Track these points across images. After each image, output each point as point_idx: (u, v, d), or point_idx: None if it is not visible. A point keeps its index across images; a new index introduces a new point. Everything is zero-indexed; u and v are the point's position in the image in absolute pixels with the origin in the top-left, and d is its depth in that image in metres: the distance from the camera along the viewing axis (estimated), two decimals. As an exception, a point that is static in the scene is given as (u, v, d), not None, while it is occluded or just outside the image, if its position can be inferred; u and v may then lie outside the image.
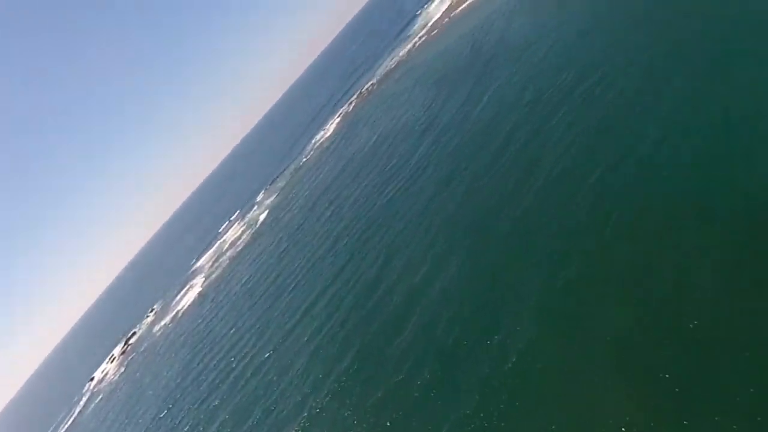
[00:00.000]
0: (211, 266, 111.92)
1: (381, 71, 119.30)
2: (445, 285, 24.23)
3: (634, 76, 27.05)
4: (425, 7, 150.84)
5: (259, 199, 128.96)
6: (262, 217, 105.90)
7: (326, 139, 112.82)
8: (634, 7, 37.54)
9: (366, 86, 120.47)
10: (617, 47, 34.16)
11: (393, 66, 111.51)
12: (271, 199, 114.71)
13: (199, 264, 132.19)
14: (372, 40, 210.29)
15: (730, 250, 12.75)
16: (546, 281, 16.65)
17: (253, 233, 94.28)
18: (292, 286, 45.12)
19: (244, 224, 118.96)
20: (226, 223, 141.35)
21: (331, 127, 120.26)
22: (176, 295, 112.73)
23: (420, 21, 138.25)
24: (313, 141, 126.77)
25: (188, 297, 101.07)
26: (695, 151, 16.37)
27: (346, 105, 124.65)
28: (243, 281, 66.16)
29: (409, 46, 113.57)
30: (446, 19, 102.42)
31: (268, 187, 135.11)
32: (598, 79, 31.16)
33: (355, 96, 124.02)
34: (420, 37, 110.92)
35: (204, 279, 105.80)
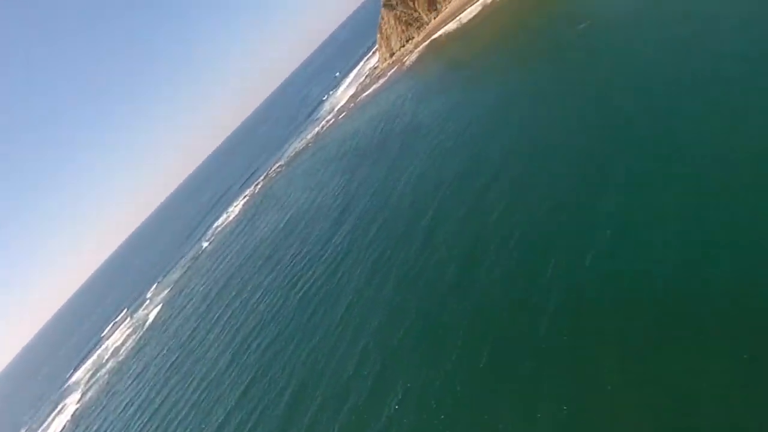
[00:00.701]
0: (88, 382, 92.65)
1: (289, 153, 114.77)
2: None
3: (536, 157, 26.28)
4: (331, 92, 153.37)
5: (149, 294, 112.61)
6: (151, 317, 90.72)
7: (230, 222, 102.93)
8: (536, 89, 36.44)
9: (274, 167, 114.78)
10: (522, 127, 32.45)
11: (301, 147, 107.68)
12: (164, 294, 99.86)
13: (75, 378, 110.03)
14: (279, 124, 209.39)
15: None
16: None
17: (139, 338, 79.06)
18: (178, 420, 34.22)
19: (130, 325, 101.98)
20: (111, 324, 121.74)
21: (235, 209, 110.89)
22: (45, 420, 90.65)
23: (327, 105, 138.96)
24: (215, 225, 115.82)
25: (58, 424, 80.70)
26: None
27: (253, 186, 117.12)
28: (121, 407, 52.26)
29: (317, 128, 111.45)
30: (352, 104, 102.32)
31: (161, 279, 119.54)
32: (509, 159, 28.98)
33: (262, 177, 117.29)
34: (328, 120, 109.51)
35: (79, 399, 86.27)
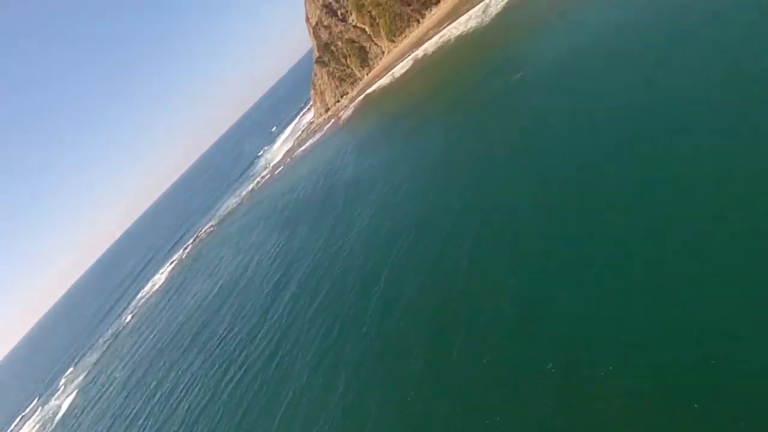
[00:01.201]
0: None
1: (222, 211, 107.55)
2: None
3: (488, 212, 25.00)
4: (267, 147, 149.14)
5: (63, 380, 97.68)
6: (64, 408, 77.46)
7: (156, 292, 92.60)
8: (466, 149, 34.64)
9: (205, 228, 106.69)
10: (464, 182, 30.28)
11: (235, 205, 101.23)
12: (80, 378, 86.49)
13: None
14: (212, 182, 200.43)
15: None
16: None
17: (45, 440, 66.32)
18: None
19: (39, 420, 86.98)
20: (19, 418, 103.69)
21: (162, 277, 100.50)
22: None
23: (263, 160, 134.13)
24: (139, 295, 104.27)
25: None
26: None
27: (181, 250, 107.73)
28: None
29: (252, 184, 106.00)
30: (289, 159, 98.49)
31: (78, 360, 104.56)
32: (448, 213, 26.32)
33: (191, 240, 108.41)
34: (263, 177, 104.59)
35: None
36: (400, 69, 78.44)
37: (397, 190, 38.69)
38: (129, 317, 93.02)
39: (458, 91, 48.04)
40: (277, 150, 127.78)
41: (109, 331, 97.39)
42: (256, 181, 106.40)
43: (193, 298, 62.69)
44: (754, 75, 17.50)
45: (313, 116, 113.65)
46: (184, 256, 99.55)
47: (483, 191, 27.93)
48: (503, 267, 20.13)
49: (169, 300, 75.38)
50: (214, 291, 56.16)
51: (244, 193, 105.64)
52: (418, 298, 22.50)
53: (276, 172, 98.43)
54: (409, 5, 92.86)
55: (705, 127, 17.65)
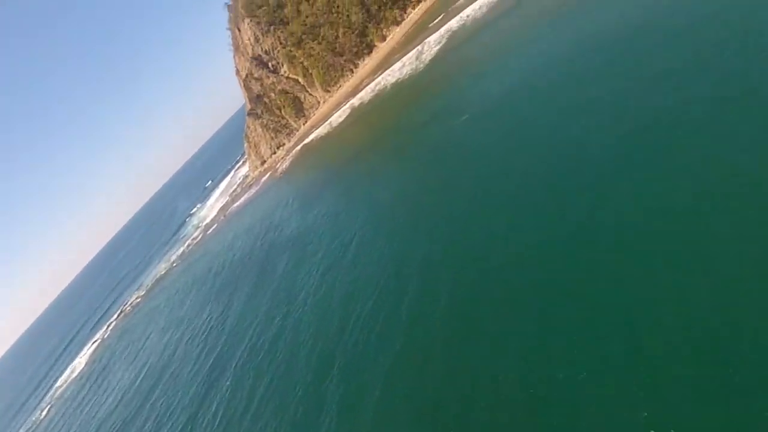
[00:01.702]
0: None
1: (151, 280, 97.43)
2: None
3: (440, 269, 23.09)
4: (200, 205, 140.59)
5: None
6: None
7: (74, 380, 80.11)
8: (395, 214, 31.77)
9: (131, 300, 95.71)
10: (415, 235, 27.35)
11: (164, 271, 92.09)
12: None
13: None
14: (143, 246, 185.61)
15: None
16: None
17: None
18: None
19: None
20: None
21: (82, 361, 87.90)
22: None
23: (195, 219, 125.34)
24: (56, 385, 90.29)
25: None
26: None
27: (105, 328, 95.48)
28: None
29: (183, 247, 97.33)
30: (223, 216, 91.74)
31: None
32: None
33: (116, 315, 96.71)
34: (195, 238, 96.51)
35: None
36: (337, 118, 76.00)
37: (346, 247, 34.42)
38: (44, 412, 79.64)
39: (399, 138, 45.48)
40: (211, 206, 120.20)
41: (21, 430, 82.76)
42: (187, 243, 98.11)
43: (115, 388, 53.55)
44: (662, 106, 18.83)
45: (249, 169, 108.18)
46: (107, 335, 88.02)
47: (439, 242, 24.59)
48: (483, 340, 16.34)
49: (88, 390, 64.76)
50: (139, 380, 47.91)
51: (174, 257, 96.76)
52: (388, 394, 17.92)
53: (209, 231, 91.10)
54: (342, 56, 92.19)
55: (621, 149, 19.57)
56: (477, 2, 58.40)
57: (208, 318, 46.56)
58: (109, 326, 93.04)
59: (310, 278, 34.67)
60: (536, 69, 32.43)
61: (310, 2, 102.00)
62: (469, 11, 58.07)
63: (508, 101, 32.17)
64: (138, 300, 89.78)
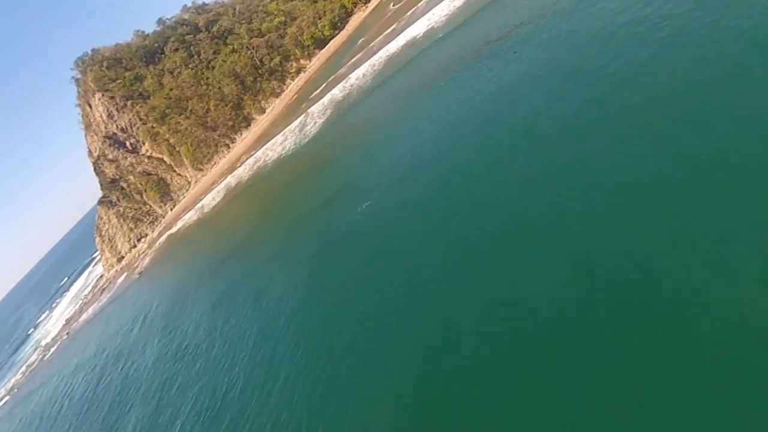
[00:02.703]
0: None
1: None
2: None
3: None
4: (47, 314, 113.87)
5: None
6: None
7: None
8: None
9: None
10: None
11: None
12: None
13: None
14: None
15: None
16: None
17: None
18: None
19: None
20: None
21: None
22: None
23: (37, 335, 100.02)
24: None
25: None
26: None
27: None
28: None
29: (15, 378, 73.87)
30: (65, 335, 70.89)
31: None
32: None
33: None
34: (29, 366, 73.29)
35: None
36: (210, 200, 64.23)
37: (222, 397, 23.22)
38: None
39: (284, 229, 35.98)
40: (60, 316, 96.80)
41: None
42: (21, 371, 75.51)
43: None
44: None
45: (103, 269, 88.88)
46: None
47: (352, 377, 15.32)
48: None
49: None
50: None
51: (1, 392, 73.35)
52: None
53: (48, 355, 70.36)
54: (215, 130, 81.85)
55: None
56: (360, 69, 53.39)
57: None
58: None
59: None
60: (426, 141, 27.26)
61: (174, 74, 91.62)
62: (353, 80, 52.61)
63: (409, 178, 25.58)
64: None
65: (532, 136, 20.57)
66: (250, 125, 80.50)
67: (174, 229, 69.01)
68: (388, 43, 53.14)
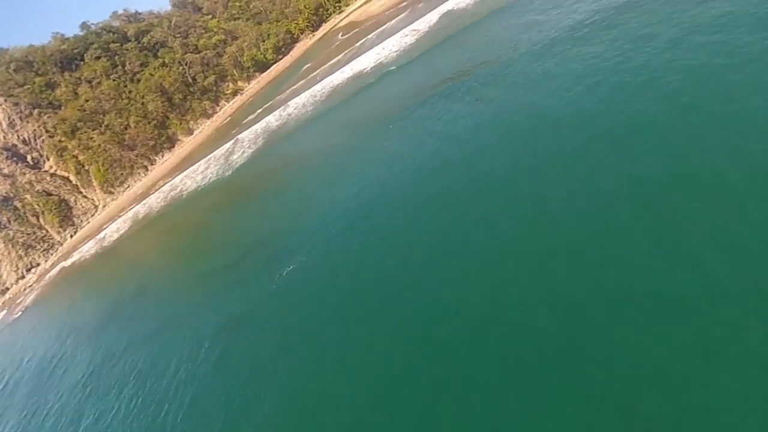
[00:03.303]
0: None
1: None
2: None
3: None
4: None
5: None
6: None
7: None
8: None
9: None
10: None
11: None
12: None
13: None
14: None
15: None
16: None
17: None
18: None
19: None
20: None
21: None
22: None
23: None
24: None
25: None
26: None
27: None
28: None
29: None
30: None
31: None
32: None
33: None
34: None
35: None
36: (114, 231, 55.13)
37: None
38: None
39: (191, 279, 29.13)
40: None
41: None
42: None
43: None
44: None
45: (-19, 302, 74.77)
46: None
47: None
48: None
49: None
50: None
51: None
52: None
53: None
54: (133, 149, 72.59)
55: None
56: (300, 98, 48.26)
57: None
58: None
59: None
60: (370, 188, 22.60)
61: (93, 84, 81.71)
62: (291, 108, 47.29)
63: (345, 237, 20.38)
64: None
65: (497, 193, 16.20)
66: (174, 147, 72.21)
67: (69, 261, 58.65)
68: (333, 73, 48.69)
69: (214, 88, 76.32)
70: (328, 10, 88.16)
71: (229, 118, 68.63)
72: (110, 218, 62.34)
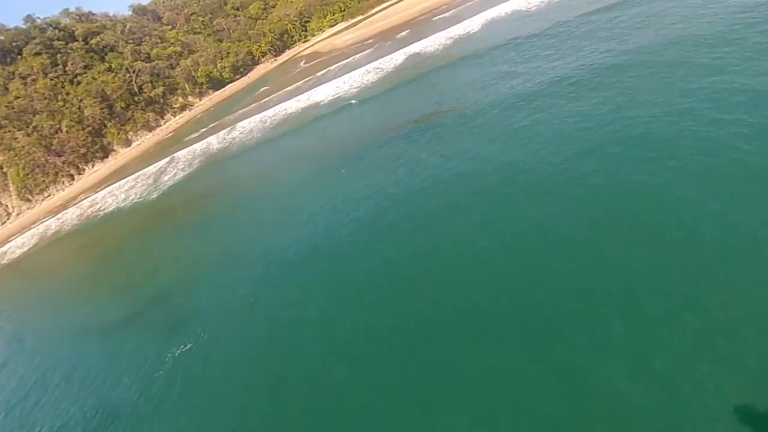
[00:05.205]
0: None
1: None
2: None
3: None
4: None
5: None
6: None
7: None
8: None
9: None
10: None
11: None
12: None
13: None
14: None
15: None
16: None
17: None
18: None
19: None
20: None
21: None
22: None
23: None
24: None
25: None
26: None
27: None
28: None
29: None
30: None
31: None
32: None
33: None
34: None
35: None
36: (18, 246, 46.83)
37: None
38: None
39: (66, 333, 23.01)
40: None
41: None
42: None
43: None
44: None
45: None
46: None
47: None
48: None
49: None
50: None
51: None
52: None
53: None
54: (60, 155, 64.14)
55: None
56: (248, 121, 43.58)
57: None
58: None
59: None
60: (313, 236, 18.41)
61: (27, 81, 72.87)
62: (237, 131, 42.45)
63: (271, 302, 15.80)
64: None
65: (464, 261, 12.35)
66: (108, 157, 64.57)
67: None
68: (289, 100, 44.59)
69: (161, 100, 69.90)
70: (293, 36, 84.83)
71: (172, 132, 62.42)
72: (22, 228, 53.67)
